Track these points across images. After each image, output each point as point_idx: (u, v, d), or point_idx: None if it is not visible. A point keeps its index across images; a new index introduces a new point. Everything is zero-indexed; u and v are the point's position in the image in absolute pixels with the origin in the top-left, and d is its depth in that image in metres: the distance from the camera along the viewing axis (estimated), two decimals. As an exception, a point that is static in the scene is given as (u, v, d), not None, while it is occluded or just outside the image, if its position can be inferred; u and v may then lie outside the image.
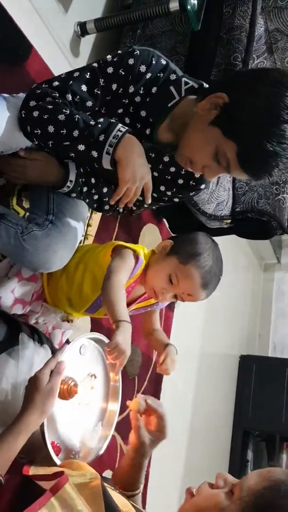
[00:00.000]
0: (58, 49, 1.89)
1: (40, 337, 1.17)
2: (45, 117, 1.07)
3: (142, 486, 1.08)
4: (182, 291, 1.23)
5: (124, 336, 1.05)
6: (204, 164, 1.12)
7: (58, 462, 0.97)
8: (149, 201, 1.16)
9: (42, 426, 0.93)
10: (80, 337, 1.07)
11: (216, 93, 1.07)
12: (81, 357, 1.10)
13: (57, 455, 0.99)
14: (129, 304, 1.31)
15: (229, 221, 2.29)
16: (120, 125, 1.06)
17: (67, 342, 1.02)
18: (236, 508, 0.75)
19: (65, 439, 1.03)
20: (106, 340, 1.12)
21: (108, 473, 1.95)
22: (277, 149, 1.00)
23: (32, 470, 0.87)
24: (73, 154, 1.11)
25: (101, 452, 1.12)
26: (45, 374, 0.95)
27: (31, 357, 1.09)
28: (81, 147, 1.08)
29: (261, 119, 1.00)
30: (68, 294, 1.32)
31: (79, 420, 1.08)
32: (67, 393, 1.01)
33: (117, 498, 0.87)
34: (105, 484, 0.90)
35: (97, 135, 1.05)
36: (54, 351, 1.19)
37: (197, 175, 1.25)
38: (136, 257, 1.26)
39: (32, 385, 0.94)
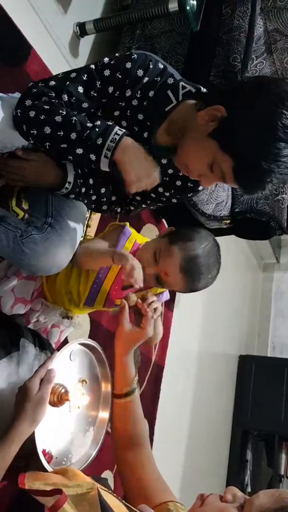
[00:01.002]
0: (57, 50, 1.89)
1: (42, 342, 1.18)
2: (42, 117, 1.07)
3: (136, 383, 1.17)
4: (161, 269, 1.23)
5: (130, 256, 1.14)
6: (200, 173, 1.12)
7: (50, 469, 0.97)
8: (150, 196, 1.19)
9: (33, 434, 0.93)
10: (70, 343, 1.07)
11: (215, 105, 1.07)
12: (71, 363, 1.09)
13: (49, 462, 0.99)
14: (127, 288, 1.32)
15: (228, 221, 2.30)
16: (117, 127, 1.06)
17: (57, 348, 1.03)
18: None
19: (56, 446, 1.04)
20: (96, 345, 1.13)
21: (106, 473, 1.95)
22: (272, 166, 1.00)
23: (28, 483, 0.87)
24: (71, 157, 1.11)
25: (92, 457, 1.12)
26: (35, 383, 0.94)
27: (32, 362, 1.09)
28: (79, 151, 1.08)
29: (258, 136, 1.00)
30: (67, 288, 1.33)
31: (71, 427, 1.09)
32: (57, 400, 1.01)
33: (113, 502, 0.87)
34: (102, 488, 0.90)
35: (95, 138, 1.05)
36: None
37: None
38: (121, 227, 1.29)
39: (22, 394, 0.94)
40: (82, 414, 1.12)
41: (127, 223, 1.33)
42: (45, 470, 0.95)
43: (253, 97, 1.02)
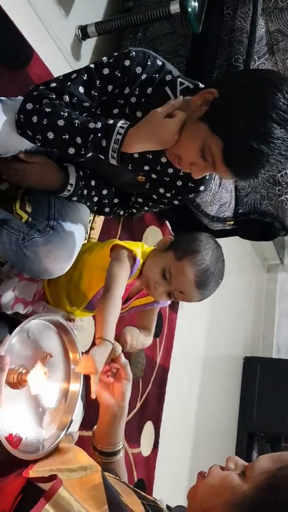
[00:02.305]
0: (59, 53, 1.89)
1: None
2: (44, 122, 1.07)
3: (121, 447, 1.09)
4: (175, 287, 1.21)
5: (102, 355, 1.03)
6: (191, 161, 1.10)
7: (17, 454, 0.95)
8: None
9: None
10: (25, 322, 1.01)
11: (208, 89, 1.06)
12: (31, 340, 1.05)
13: (18, 445, 0.98)
14: (128, 300, 1.32)
15: (232, 222, 2.29)
16: (119, 126, 1.06)
17: (10, 332, 0.99)
18: (248, 487, 0.74)
19: (24, 427, 1.01)
20: (56, 317, 1.08)
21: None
22: (262, 147, 0.97)
23: (32, 472, 0.87)
24: (82, 159, 1.12)
25: (67, 429, 1.08)
26: None
27: None
28: (89, 154, 1.09)
29: (248, 116, 0.97)
30: (67, 293, 1.33)
31: (39, 404, 1.06)
32: (18, 383, 0.97)
33: (118, 485, 0.87)
34: (109, 476, 0.89)
35: (99, 141, 1.06)
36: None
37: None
38: (133, 258, 1.25)
39: None
40: (51, 388, 1.08)
41: (138, 255, 1.27)
42: (13, 456, 0.94)
43: (247, 80, 1.02)
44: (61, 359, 1.12)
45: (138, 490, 0.92)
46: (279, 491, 0.72)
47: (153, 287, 1.23)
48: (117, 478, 0.96)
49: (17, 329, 0.98)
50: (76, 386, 1.12)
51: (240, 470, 0.80)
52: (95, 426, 1.13)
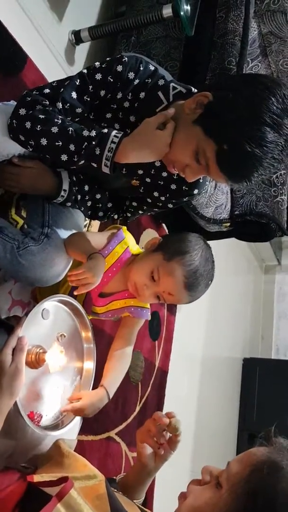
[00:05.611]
0: (53, 58, 1.90)
1: None
2: (38, 128, 1.07)
3: (142, 502, 1.10)
4: (163, 289, 1.19)
5: (95, 264, 1.10)
6: (186, 163, 1.10)
7: (40, 431, 0.97)
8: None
9: (15, 404, 0.92)
10: (39, 304, 1.05)
11: (202, 92, 1.07)
12: (45, 321, 1.08)
13: (39, 421, 1.01)
14: (105, 296, 1.31)
15: (228, 224, 2.29)
16: (113, 135, 1.07)
17: (25, 314, 1.02)
18: (228, 501, 0.75)
19: (44, 405, 1.05)
20: (68, 298, 1.13)
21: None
22: (256, 151, 0.97)
23: (37, 478, 0.87)
24: (74, 167, 1.12)
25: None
26: (7, 355, 0.92)
27: None
28: (81, 162, 1.09)
29: (242, 119, 0.98)
30: (57, 290, 1.32)
31: (56, 382, 1.09)
32: (36, 362, 1.00)
33: (121, 498, 0.87)
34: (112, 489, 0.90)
35: (92, 149, 1.06)
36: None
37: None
38: (116, 229, 1.28)
39: None
40: (67, 368, 1.12)
41: (124, 228, 1.32)
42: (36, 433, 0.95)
43: (241, 84, 1.03)
44: (74, 338, 1.17)
45: (142, 507, 0.92)
46: (256, 497, 0.73)
47: (141, 289, 1.21)
48: (120, 492, 0.96)
49: (32, 311, 1.02)
50: (90, 364, 1.17)
51: (216, 479, 0.80)
52: (123, 475, 1.15)
